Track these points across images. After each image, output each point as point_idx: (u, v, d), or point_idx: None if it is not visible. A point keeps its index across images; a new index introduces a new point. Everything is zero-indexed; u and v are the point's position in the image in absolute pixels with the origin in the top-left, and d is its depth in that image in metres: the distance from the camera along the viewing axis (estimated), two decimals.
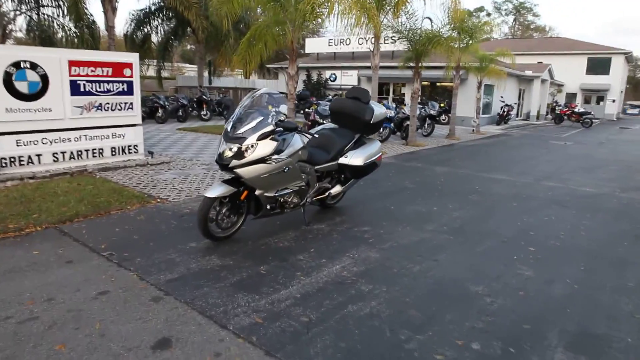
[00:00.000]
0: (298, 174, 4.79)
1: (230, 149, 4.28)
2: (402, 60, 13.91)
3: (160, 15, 19.62)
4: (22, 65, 6.74)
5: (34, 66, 6.86)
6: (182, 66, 41.45)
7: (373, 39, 11.28)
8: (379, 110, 5.70)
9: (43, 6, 17.11)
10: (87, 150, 7.72)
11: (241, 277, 3.77)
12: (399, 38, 12.86)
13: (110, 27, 14.82)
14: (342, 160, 5.40)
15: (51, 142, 7.26)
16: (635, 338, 3.05)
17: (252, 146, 4.26)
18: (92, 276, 3.68)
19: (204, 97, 18.36)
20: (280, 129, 4.41)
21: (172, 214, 5.52)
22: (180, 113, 17.12)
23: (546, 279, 3.96)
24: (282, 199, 4.74)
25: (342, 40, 26.54)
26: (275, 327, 2.99)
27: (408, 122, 13.88)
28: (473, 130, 18.81)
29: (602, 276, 4.10)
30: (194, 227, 4.96)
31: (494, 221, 5.72)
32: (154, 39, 20.20)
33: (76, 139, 7.58)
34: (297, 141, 4.76)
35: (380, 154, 5.75)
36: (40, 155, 7.15)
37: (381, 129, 10.62)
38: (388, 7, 10.86)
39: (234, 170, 4.28)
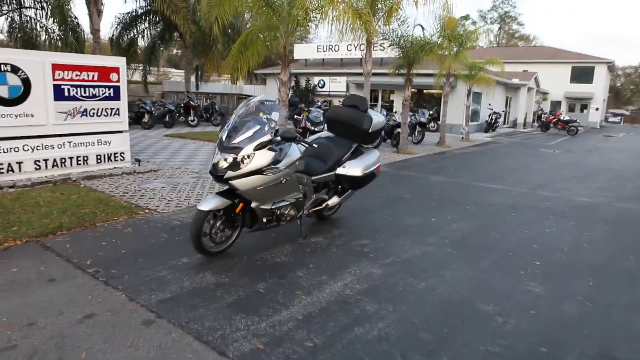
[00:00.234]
0: (296, 185, 4.57)
1: (226, 160, 4.06)
2: (393, 67, 13.82)
3: (147, 19, 19.31)
4: (2, 69, 6.42)
5: (15, 69, 6.54)
6: (168, 71, 40.92)
7: (363, 46, 11.15)
8: (378, 118, 5.52)
9: (25, 7, 16.66)
10: (71, 158, 7.39)
11: (238, 296, 3.53)
12: (390, 45, 12.76)
13: (95, 30, 14.47)
14: (340, 170, 5.20)
15: (33, 149, 6.92)
16: None
17: (248, 157, 4.04)
18: (77, 296, 3.40)
19: (192, 102, 18.04)
20: (278, 138, 4.20)
21: (162, 226, 5.26)
22: (167, 119, 16.78)
23: (557, 296, 3.81)
24: (278, 212, 4.51)
25: (330, 47, 26.46)
26: (278, 354, 2.77)
27: (399, 130, 13.77)
28: (462, 137, 18.82)
29: (613, 293, 3.96)
30: (185, 240, 4.73)
31: (496, 233, 5.58)
32: (140, 43, 19.86)
33: (60, 146, 7.25)
34: (295, 151, 4.55)
35: (379, 164, 5.57)
36: (21, 162, 6.81)
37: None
38: (380, 14, 10.75)
39: (230, 181, 4.05)
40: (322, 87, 26.37)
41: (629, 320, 3.46)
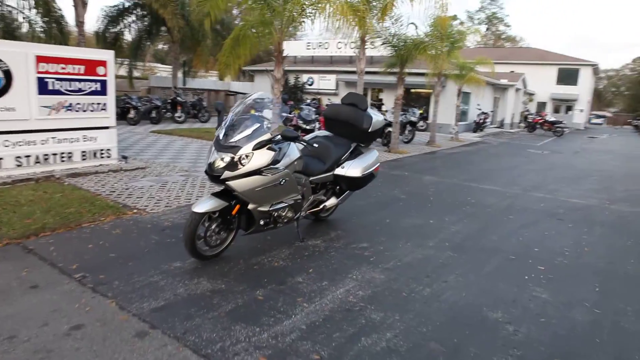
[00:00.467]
0: (295, 186, 4.39)
1: (223, 159, 3.85)
2: (385, 66, 13.70)
3: (134, 12, 18.85)
4: None
5: None
6: (153, 66, 40.23)
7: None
8: (377, 118, 5.37)
9: None
10: (54, 154, 7.09)
11: (236, 304, 3.34)
12: (383, 43, 12.63)
13: (80, 23, 13.99)
14: (339, 171, 5.04)
15: (14, 145, 6.60)
16: None
17: (247, 156, 3.85)
18: (63, 305, 3.18)
19: (179, 98, 17.69)
20: (278, 137, 4.01)
21: (152, 227, 5.03)
22: (154, 115, 16.40)
23: (564, 302, 3.71)
24: (276, 214, 4.33)
25: (320, 44, 26.26)
26: None
27: (390, 129, 13.66)
28: (452, 137, 18.82)
29: (620, 298, 3.87)
30: (177, 242, 4.52)
31: (495, 236, 5.48)
32: (127, 37, 19.39)
33: (43, 142, 6.94)
34: (294, 151, 4.37)
35: (378, 164, 5.42)
36: (1, 159, 6.49)
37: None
38: (374, 11, 10.60)
39: (227, 182, 3.85)
40: (311, 84, 26.14)
41: None
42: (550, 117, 27.91)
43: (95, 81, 7.39)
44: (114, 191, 6.40)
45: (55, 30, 15.10)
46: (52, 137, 7.03)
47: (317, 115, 12.82)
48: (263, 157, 3.92)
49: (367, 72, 18.87)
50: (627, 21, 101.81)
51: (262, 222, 4.22)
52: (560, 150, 17.62)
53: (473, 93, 22.26)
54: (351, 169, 5.05)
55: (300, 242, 4.79)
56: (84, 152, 7.45)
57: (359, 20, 9.09)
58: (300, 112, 12.10)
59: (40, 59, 6.63)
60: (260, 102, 4.24)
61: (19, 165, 6.67)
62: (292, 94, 24.60)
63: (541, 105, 36.94)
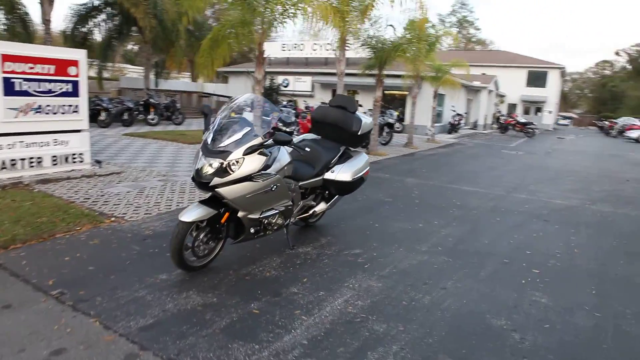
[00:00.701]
0: (286, 192, 4.21)
1: (211, 165, 3.64)
2: (364, 67, 13.64)
3: (104, 11, 18.21)
4: None
5: None
6: (123, 67, 39.17)
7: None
8: (366, 120, 5.24)
9: None
10: (22, 159, 6.68)
11: (231, 319, 3.14)
12: (362, 45, 12.57)
13: (47, 21, 13.42)
14: (328, 175, 4.88)
15: None
16: None
17: (237, 162, 3.65)
18: (41, 327, 2.90)
19: (152, 100, 17.19)
20: (270, 141, 3.82)
21: (132, 236, 4.75)
22: (126, 117, 15.88)
23: (564, 307, 3.66)
24: (266, 221, 4.13)
25: (295, 45, 26.11)
26: None
27: None
28: (428, 139, 18.95)
29: (617, 301, 3.86)
30: (160, 252, 4.28)
31: (485, 239, 5.43)
32: (96, 37, 18.72)
33: (9, 146, 6.53)
34: (284, 155, 4.19)
35: (368, 168, 5.29)
36: None
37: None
38: (355, 13, 10.50)
39: (216, 189, 3.64)
40: (287, 86, 25.93)
41: None
42: (521, 119, 28.54)
43: (67, 82, 7.01)
44: (88, 198, 6.06)
45: (19, 29, 14.40)
46: (20, 141, 6.63)
47: (296, 118, 12.64)
48: (254, 162, 3.72)
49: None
50: (591, 27, 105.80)
51: (252, 230, 4.03)
52: (534, 151, 17.98)
53: (448, 95, 22.54)
54: (341, 173, 4.90)
55: (291, 249, 4.61)
56: (54, 156, 7.05)
57: (340, 21, 8.96)
58: (280, 114, 11.90)
59: (5, 58, 6.23)
60: (249, 104, 4.04)
61: None
62: (268, 96, 24.32)
63: (512, 107, 37.82)
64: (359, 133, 5.08)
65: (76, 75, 7.12)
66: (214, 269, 3.99)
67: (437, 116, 22.47)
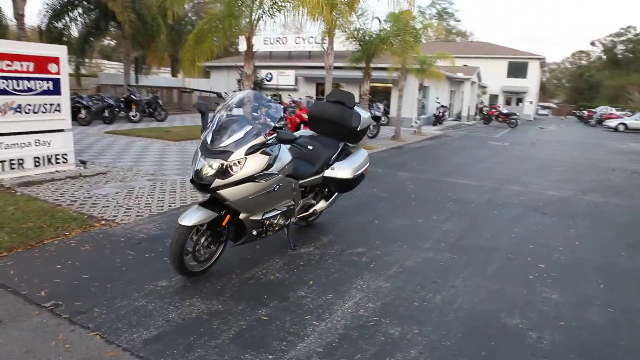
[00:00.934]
0: (289, 192, 4.07)
1: (211, 166, 3.46)
2: (350, 61, 13.50)
3: (81, 5, 17.61)
4: None
5: None
6: (100, 63, 38.23)
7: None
8: (365, 115, 5.11)
9: None
10: (3, 162, 6.36)
11: (240, 328, 2.99)
12: (348, 38, 12.41)
13: (20, 16, 12.93)
14: (328, 172, 4.74)
15: None
16: None
17: (238, 162, 3.48)
18: (37, 344, 2.71)
19: (133, 96, 16.75)
20: (272, 140, 3.66)
21: (126, 240, 4.54)
22: (107, 114, 15.43)
23: (576, 303, 3.61)
24: (267, 222, 3.98)
25: (278, 39, 25.76)
26: None
27: None
28: (414, 131, 18.95)
29: (626, 294, 3.83)
30: (157, 257, 4.10)
31: (487, 234, 5.37)
32: (73, 32, 18.11)
33: None
34: (285, 154, 4.04)
35: (368, 164, 5.18)
36: None
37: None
38: (341, 5, 10.32)
39: (217, 191, 3.47)
40: (270, 80, 25.61)
41: None
42: (504, 109, 28.83)
43: (47, 80, 6.69)
44: (75, 200, 5.80)
45: None
46: None
47: (284, 114, 12.44)
48: (257, 162, 3.56)
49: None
50: (566, 17, 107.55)
51: (254, 233, 3.87)
52: (519, 142, 18.14)
53: (432, 87, 22.56)
54: (341, 170, 4.77)
55: (292, 250, 4.47)
56: (36, 158, 6.75)
57: (329, 14, 8.79)
58: (268, 110, 11.62)
59: None
60: (250, 101, 3.87)
61: None
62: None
63: (493, 98, 38.17)
64: (358, 129, 4.95)
65: (57, 73, 6.80)
66: (216, 273, 3.83)
67: (422, 108, 22.51)
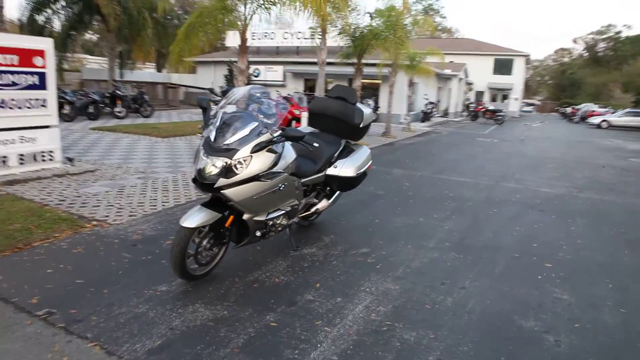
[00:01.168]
0: (293, 191, 3.92)
1: (215, 165, 3.30)
2: (342, 56, 13.36)
3: None
4: None
5: None
6: (83, 57, 37.34)
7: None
8: (367, 111, 4.99)
9: None
10: None
11: (248, 335, 2.84)
12: (340, 33, 12.27)
13: None
14: (331, 171, 4.60)
15: None
16: None
17: (244, 160, 3.32)
18: (32, 356, 2.52)
19: (118, 92, 16.33)
20: (279, 136, 3.51)
21: (120, 242, 4.34)
22: (91, 110, 15.01)
23: (588, 303, 3.55)
24: (271, 222, 3.83)
25: (266, 34, 25.52)
26: None
27: None
28: (404, 128, 18.91)
29: (635, 294, 3.80)
30: (154, 260, 3.93)
31: (489, 232, 5.30)
32: (55, 25, 17.57)
33: None
34: (290, 151, 3.88)
35: (371, 162, 5.06)
36: None
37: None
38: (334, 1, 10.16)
39: (221, 191, 3.31)
40: (257, 76, 25.33)
41: None
42: (490, 106, 29.03)
43: (32, 74, 6.42)
44: (64, 200, 5.57)
45: None
46: None
47: (275, 111, 12.24)
48: (263, 160, 3.41)
49: (315, 63, 18.52)
50: (549, 15, 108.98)
51: (258, 234, 3.72)
52: (507, 139, 18.24)
53: (421, 83, 22.54)
54: (344, 168, 4.64)
55: (294, 251, 4.33)
56: (21, 155, 6.47)
57: (324, 8, 8.62)
58: (260, 107, 11.41)
59: None
60: (255, 96, 3.71)
61: None
62: (238, 87, 23.67)
63: (479, 94, 38.40)
64: (361, 125, 4.83)
65: (43, 67, 6.53)
66: (218, 276, 3.67)
67: (410, 105, 22.49)
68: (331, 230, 5.06)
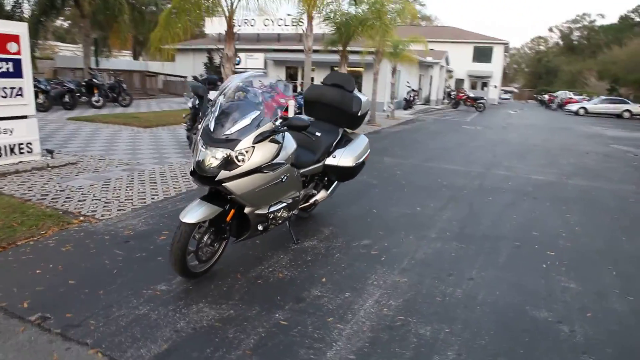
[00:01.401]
0: (295, 182, 3.78)
1: (215, 156, 3.12)
2: (326, 43, 13.15)
3: None
4: None
5: None
6: (54, 44, 36.05)
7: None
8: (364, 99, 4.85)
9: None
10: None
11: (259, 335, 2.71)
12: (324, 19, 12.04)
13: None
14: (330, 161, 4.46)
15: None
16: None
17: (246, 151, 3.15)
18: None
19: (95, 80, 15.77)
20: (281, 124, 3.34)
21: (110, 238, 4.13)
22: (67, 99, 14.46)
23: (596, 292, 3.53)
24: (272, 216, 3.68)
25: (246, 21, 24.90)
26: None
27: None
28: (388, 116, 18.86)
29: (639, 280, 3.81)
30: (149, 256, 3.75)
31: (487, 221, 5.26)
32: (25, 10, 16.81)
33: None
34: (290, 141, 3.72)
35: (369, 151, 4.94)
36: None
37: None
38: None
39: (223, 184, 3.14)
40: (238, 64, 24.74)
41: None
42: (471, 93, 29.22)
43: (6, 60, 6.06)
44: (46, 194, 5.29)
45: None
46: None
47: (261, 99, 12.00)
48: (265, 151, 3.24)
49: (297, 50, 18.19)
50: (526, 3, 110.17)
51: (260, 227, 3.57)
52: (490, 126, 18.37)
53: (403, 71, 22.47)
54: (343, 158, 4.50)
55: (295, 244, 4.19)
56: None
57: None
58: (246, 95, 11.14)
59: None
60: (255, 82, 3.53)
61: None
62: (218, 74, 23.19)
63: (459, 82, 38.63)
64: (359, 114, 4.70)
65: (17, 53, 6.17)
66: (219, 273, 3.51)
67: (393, 92, 22.43)
68: (329, 221, 4.94)
